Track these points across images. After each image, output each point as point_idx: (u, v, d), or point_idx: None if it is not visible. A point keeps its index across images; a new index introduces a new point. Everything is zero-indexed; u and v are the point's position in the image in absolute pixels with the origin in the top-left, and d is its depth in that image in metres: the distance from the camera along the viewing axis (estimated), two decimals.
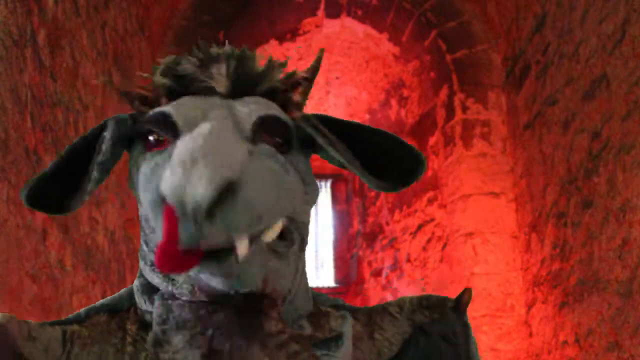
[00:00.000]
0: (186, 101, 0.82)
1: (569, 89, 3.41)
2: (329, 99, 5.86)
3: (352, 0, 4.79)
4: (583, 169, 3.24)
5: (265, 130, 0.80)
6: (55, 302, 2.31)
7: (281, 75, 0.88)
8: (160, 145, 0.80)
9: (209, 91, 0.84)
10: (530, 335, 3.89)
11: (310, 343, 0.83)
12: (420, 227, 4.90)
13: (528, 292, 3.94)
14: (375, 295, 5.58)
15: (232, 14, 4.47)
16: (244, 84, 0.85)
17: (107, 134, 0.82)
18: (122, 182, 3.14)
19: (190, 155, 0.68)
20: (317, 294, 0.96)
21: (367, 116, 5.83)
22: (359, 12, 4.85)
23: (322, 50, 0.92)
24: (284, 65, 0.89)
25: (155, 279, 0.83)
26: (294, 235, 0.84)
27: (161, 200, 0.69)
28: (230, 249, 0.70)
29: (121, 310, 0.88)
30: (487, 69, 4.41)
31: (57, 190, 0.83)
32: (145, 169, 0.78)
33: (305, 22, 4.94)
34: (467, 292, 0.98)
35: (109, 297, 0.91)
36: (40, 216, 2.19)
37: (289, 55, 5.27)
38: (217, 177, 0.65)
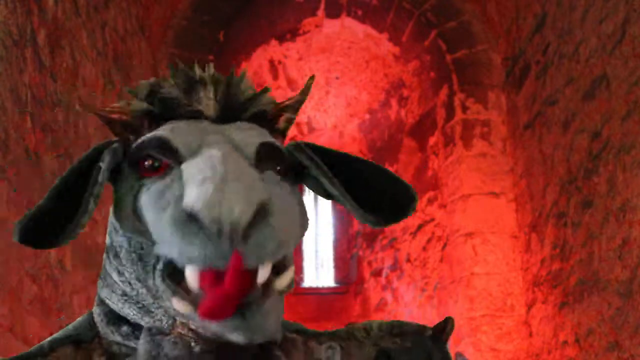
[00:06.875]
0: (179, 126, 0.78)
1: (569, 89, 3.41)
2: (329, 99, 5.85)
3: (352, 0, 4.79)
4: (583, 169, 3.24)
5: (265, 158, 0.77)
6: (55, 302, 2.31)
7: (268, 101, 0.85)
8: (157, 171, 0.76)
9: (196, 115, 0.81)
10: (530, 335, 3.89)
11: None
12: (420, 227, 4.90)
13: (528, 292, 3.94)
14: (375, 295, 5.58)
15: (232, 14, 4.47)
16: (232, 108, 0.82)
17: (103, 165, 0.77)
18: None
19: (216, 172, 0.66)
20: None
21: (367, 116, 5.83)
22: (359, 12, 4.85)
23: (312, 78, 0.89)
24: (267, 90, 0.86)
25: (127, 310, 0.80)
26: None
27: (187, 217, 0.66)
28: (261, 304, 0.68)
29: (85, 342, 0.84)
30: (487, 69, 4.41)
31: (48, 223, 0.79)
32: (151, 191, 0.74)
33: (305, 22, 4.94)
34: (449, 321, 0.93)
35: (69, 327, 0.87)
36: None
37: (289, 55, 5.28)
38: (254, 198, 0.65)
